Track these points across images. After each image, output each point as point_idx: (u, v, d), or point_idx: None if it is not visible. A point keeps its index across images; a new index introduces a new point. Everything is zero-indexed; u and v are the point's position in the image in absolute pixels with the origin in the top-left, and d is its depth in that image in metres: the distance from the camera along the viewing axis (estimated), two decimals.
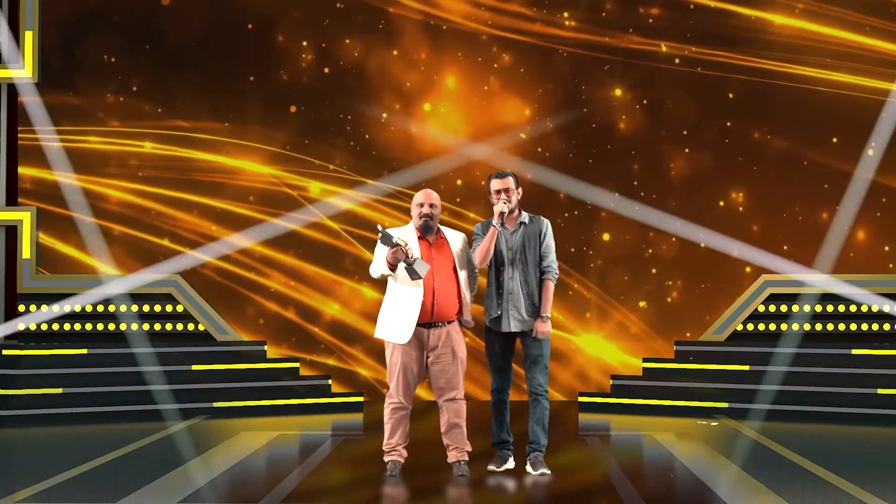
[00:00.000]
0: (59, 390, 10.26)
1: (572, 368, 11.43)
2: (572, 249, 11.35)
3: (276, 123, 11.53)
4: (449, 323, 7.43)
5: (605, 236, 11.49)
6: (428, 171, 11.37)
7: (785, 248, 11.24)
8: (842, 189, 11.12)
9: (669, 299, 11.44)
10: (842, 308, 10.98)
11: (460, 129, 11.52)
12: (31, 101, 11.30)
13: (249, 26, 11.56)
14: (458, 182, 11.48)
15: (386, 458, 7.55)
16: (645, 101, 11.50)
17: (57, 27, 11.43)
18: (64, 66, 11.45)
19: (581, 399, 10.81)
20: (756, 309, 11.11)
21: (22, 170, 11.42)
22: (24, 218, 11.23)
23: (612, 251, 11.47)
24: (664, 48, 11.46)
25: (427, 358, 7.42)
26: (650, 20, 11.49)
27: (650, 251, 11.45)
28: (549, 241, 7.54)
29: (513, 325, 7.47)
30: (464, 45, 11.56)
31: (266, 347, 11.11)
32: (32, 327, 11.15)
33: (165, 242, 11.45)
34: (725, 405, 10.31)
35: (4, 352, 10.69)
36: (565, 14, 11.54)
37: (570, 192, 11.41)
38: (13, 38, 11.25)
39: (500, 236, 7.48)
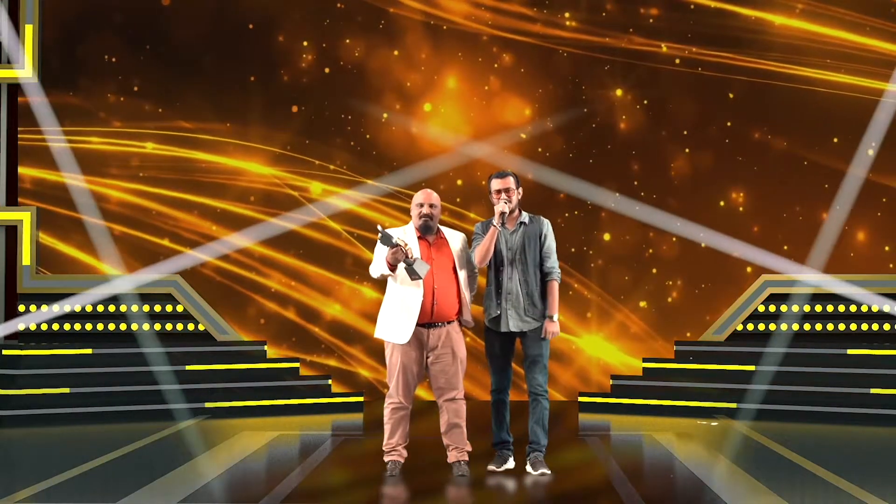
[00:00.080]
0: (64, 390, 10.22)
1: (573, 368, 11.43)
2: (573, 249, 11.35)
3: (277, 123, 11.53)
4: (449, 323, 7.42)
5: (606, 236, 11.49)
6: (428, 170, 11.37)
7: (785, 248, 11.24)
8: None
9: (670, 299, 11.44)
10: (842, 308, 10.99)
11: (461, 129, 11.51)
12: (32, 100, 11.31)
13: (250, 26, 11.56)
14: (459, 182, 11.48)
15: (386, 458, 7.55)
16: (645, 102, 11.50)
17: (58, 27, 11.43)
18: (65, 66, 11.46)
19: (581, 399, 10.81)
20: (756, 309, 11.11)
21: (22, 170, 11.42)
22: (24, 218, 11.23)
23: (613, 251, 11.47)
24: (665, 48, 11.46)
25: (427, 358, 7.42)
26: (651, 20, 11.49)
27: (650, 251, 11.45)
28: (550, 243, 7.53)
29: (512, 325, 7.47)
30: (464, 46, 11.55)
31: (266, 347, 11.11)
32: (32, 327, 11.15)
33: (166, 242, 11.45)
34: (725, 405, 10.31)
35: (4, 352, 10.69)
36: (566, 14, 11.54)
37: (571, 192, 11.41)
38: (13, 39, 11.25)
39: (500, 236, 7.47)
